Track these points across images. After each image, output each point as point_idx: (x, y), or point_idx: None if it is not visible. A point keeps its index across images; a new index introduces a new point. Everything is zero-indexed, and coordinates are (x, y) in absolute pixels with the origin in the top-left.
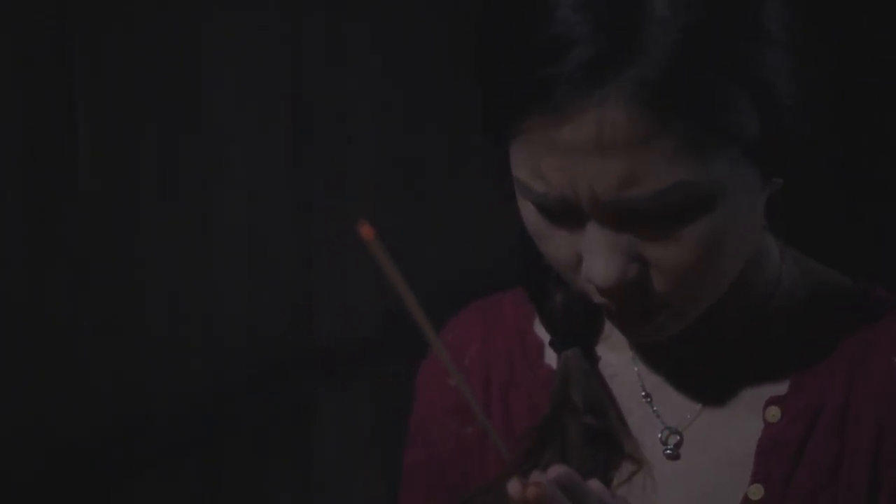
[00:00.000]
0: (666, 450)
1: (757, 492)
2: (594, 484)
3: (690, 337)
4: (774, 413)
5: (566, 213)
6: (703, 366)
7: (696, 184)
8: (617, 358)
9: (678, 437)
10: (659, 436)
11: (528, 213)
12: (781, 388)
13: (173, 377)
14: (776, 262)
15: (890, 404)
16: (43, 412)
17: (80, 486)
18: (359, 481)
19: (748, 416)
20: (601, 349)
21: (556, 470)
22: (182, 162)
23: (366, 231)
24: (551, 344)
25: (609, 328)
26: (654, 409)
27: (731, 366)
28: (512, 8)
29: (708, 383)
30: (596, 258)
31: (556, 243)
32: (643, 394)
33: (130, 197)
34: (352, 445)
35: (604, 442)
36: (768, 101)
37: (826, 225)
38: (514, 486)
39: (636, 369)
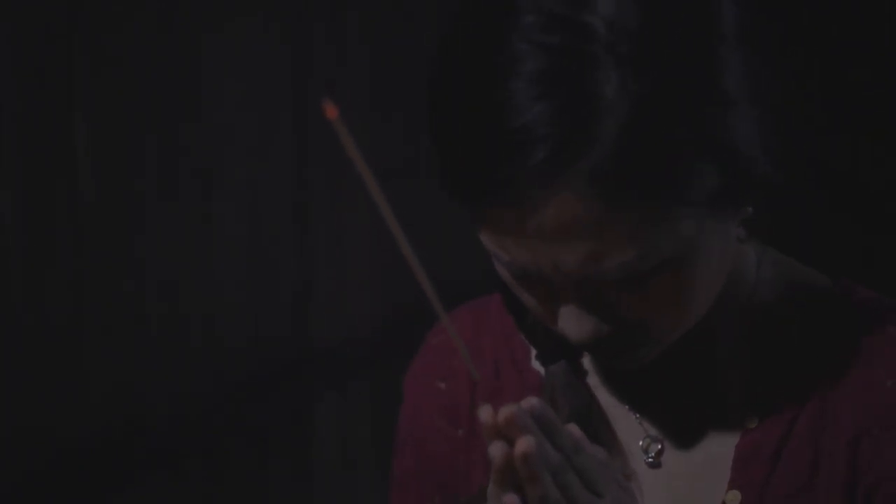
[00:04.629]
0: (647, 458)
1: (734, 498)
2: (572, 427)
3: (670, 347)
4: (752, 419)
5: (536, 280)
6: (682, 372)
7: (661, 248)
8: (599, 370)
9: (659, 445)
10: (640, 444)
11: (501, 269)
12: (759, 394)
13: (173, 380)
14: (752, 265)
15: (867, 409)
16: (43, 414)
17: (79, 487)
18: (358, 482)
19: (727, 423)
20: (585, 360)
21: (530, 401)
22: (182, 166)
23: (330, 110)
24: (537, 357)
25: None
26: (637, 417)
27: (711, 370)
28: (464, 101)
29: (688, 390)
30: (569, 320)
31: (528, 297)
32: (626, 400)
33: (130, 200)
34: (350, 447)
35: None
36: (730, 160)
37: (807, 223)
38: (485, 412)
39: (619, 376)
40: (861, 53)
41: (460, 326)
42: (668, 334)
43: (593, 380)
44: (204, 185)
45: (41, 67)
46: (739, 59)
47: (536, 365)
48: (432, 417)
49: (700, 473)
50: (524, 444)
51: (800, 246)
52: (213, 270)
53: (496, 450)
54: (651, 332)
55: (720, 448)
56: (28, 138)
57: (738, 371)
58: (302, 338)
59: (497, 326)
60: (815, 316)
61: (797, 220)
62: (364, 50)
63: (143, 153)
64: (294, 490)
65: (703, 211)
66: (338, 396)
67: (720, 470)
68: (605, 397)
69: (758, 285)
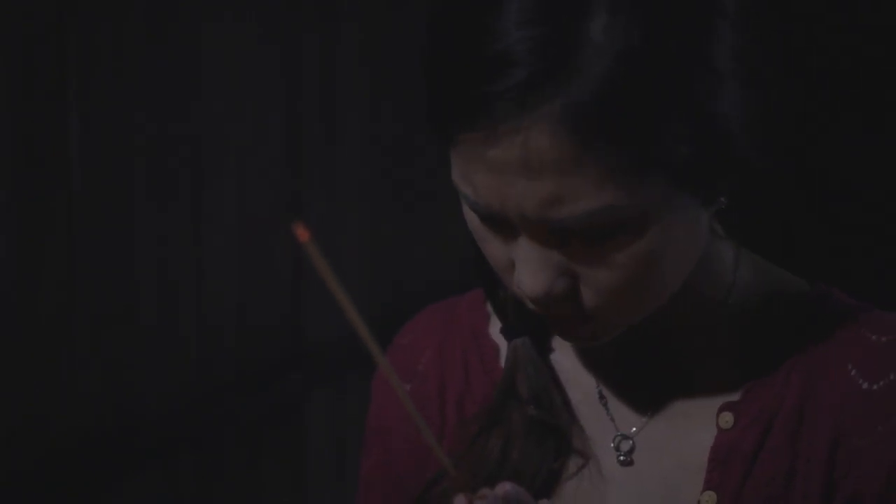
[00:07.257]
0: (619, 455)
1: (709, 499)
2: (542, 503)
3: (645, 341)
4: (727, 419)
5: (499, 222)
6: (658, 370)
7: (625, 207)
8: (572, 359)
9: (631, 443)
10: (612, 442)
11: (467, 213)
12: (735, 394)
13: (166, 376)
14: (729, 266)
15: (845, 412)
16: (36, 410)
17: (71, 484)
18: (349, 479)
19: (702, 422)
20: (557, 343)
21: (504, 486)
22: (175, 164)
23: (301, 233)
24: (502, 331)
25: None
26: (609, 412)
27: (686, 370)
28: (454, 21)
29: (663, 387)
30: (525, 269)
31: (491, 246)
32: (598, 396)
33: (123, 197)
34: (342, 443)
35: (549, 433)
36: (706, 129)
37: (786, 226)
38: (460, 501)
39: (591, 371)
40: (859, 51)
41: (430, 325)
42: (623, 314)
43: (564, 373)
44: (197, 181)
45: (35, 66)
46: (734, 37)
47: (502, 361)
48: (398, 419)
49: (674, 473)
50: None
51: (776, 248)
52: (207, 267)
53: None
54: (605, 307)
55: (694, 448)
56: (21, 136)
57: (713, 370)
58: (295, 335)
59: (466, 326)
60: (791, 318)
61: (774, 222)
62: (353, 56)
63: (135, 149)
64: (287, 486)
65: (670, 178)
66: (330, 393)
67: (694, 470)
68: (575, 390)
69: (735, 286)
